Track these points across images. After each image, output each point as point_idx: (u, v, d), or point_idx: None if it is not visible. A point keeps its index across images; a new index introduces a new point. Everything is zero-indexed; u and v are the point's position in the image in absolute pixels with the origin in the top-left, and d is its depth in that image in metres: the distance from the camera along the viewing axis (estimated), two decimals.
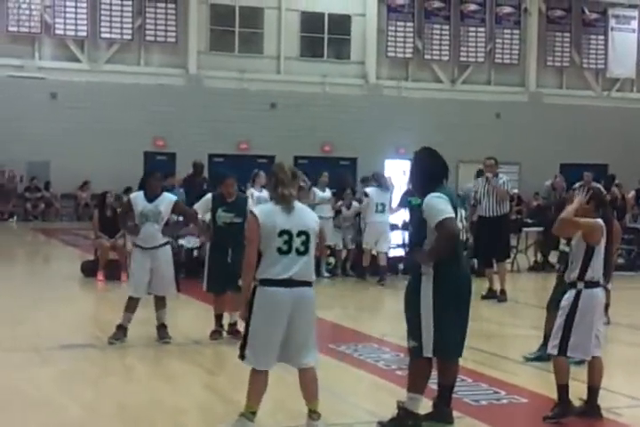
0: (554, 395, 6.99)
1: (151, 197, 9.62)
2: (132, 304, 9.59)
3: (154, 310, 9.71)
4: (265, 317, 6.16)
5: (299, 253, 6.19)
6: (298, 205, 6.33)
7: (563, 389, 6.91)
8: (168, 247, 9.77)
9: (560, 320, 6.94)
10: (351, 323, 11.67)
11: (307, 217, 6.33)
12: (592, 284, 6.93)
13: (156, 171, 10.26)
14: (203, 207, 9.88)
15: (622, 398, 7.69)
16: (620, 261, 17.49)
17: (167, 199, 9.74)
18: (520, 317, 12.69)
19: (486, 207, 13.41)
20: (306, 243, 6.21)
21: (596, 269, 6.92)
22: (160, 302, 9.68)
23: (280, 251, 6.16)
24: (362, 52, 31.68)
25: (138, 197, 9.71)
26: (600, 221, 6.96)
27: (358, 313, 12.89)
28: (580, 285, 6.91)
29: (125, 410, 7.02)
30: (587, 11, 34.45)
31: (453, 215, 6.43)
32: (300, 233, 6.20)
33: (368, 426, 6.65)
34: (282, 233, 6.16)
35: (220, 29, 30.32)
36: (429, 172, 6.69)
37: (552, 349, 6.98)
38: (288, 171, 6.32)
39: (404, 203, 14.13)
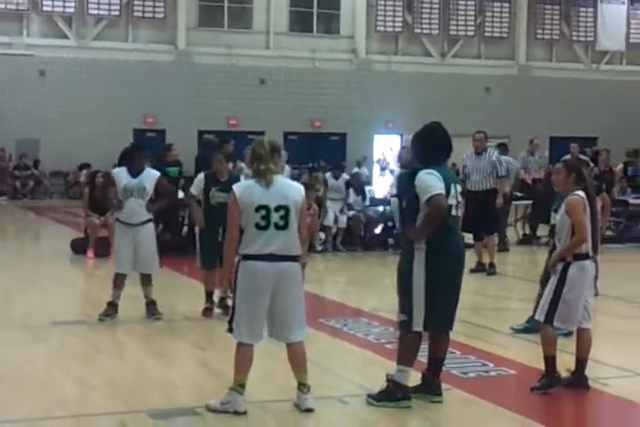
0: (542, 367, 7.07)
1: (135, 173, 9.51)
2: (118, 280, 9.59)
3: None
4: (248, 291, 6.23)
5: (277, 227, 6.21)
6: (278, 179, 6.34)
7: (550, 360, 6.98)
8: (151, 224, 9.68)
9: (549, 291, 7.01)
10: (341, 297, 11.75)
11: (287, 191, 6.31)
12: (581, 256, 6.99)
13: (140, 145, 10.06)
14: (196, 188, 9.80)
15: (609, 369, 7.78)
16: (609, 233, 17.58)
17: (151, 175, 9.64)
18: (509, 290, 12.78)
19: (475, 182, 13.46)
20: (285, 217, 6.22)
21: (583, 242, 6.99)
22: (145, 279, 9.66)
23: (258, 226, 6.20)
24: (351, 27, 31.57)
25: (121, 173, 9.58)
26: (581, 194, 7.00)
27: (348, 288, 12.97)
28: (569, 257, 6.97)
29: (117, 386, 7.07)
30: None
31: (443, 192, 6.50)
32: (278, 208, 6.21)
33: (358, 399, 6.72)
34: (259, 208, 6.19)
35: (208, 5, 30.16)
36: (433, 147, 6.77)
37: (539, 315, 7.06)
38: (267, 145, 6.33)
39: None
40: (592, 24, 34.64)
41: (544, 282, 8.11)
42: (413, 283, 6.56)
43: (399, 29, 32.07)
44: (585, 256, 7.02)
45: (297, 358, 6.40)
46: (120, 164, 9.88)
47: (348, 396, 6.86)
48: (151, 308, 9.65)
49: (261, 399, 6.62)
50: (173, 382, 7.19)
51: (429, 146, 6.82)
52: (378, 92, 30.20)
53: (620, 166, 19.49)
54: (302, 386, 6.36)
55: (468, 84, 31.58)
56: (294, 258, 6.30)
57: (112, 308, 9.54)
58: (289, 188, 6.36)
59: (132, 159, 9.62)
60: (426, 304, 6.53)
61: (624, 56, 35.42)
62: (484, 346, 8.53)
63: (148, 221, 9.60)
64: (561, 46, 34.57)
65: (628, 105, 33.53)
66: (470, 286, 12.15)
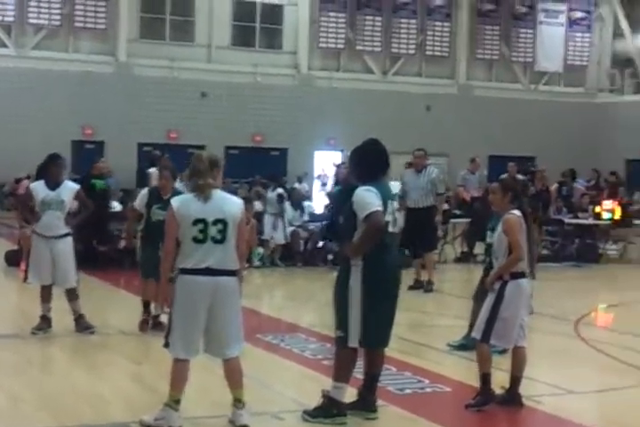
0: (477, 384, 7.10)
1: (53, 186, 9.33)
2: (45, 293, 9.41)
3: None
4: (184, 305, 6.18)
5: (215, 241, 6.17)
6: (217, 193, 6.30)
7: (485, 377, 7.02)
8: (69, 238, 9.45)
9: (486, 309, 7.06)
10: (279, 313, 11.71)
11: (226, 205, 6.28)
12: (517, 275, 7.05)
13: (57, 156, 9.66)
14: (140, 202, 9.72)
15: (543, 387, 7.84)
16: (545, 252, 17.80)
17: (69, 188, 9.45)
18: (446, 307, 12.84)
19: (414, 199, 13.55)
20: (223, 231, 6.19)
21: (520, 261, 7.05)
22: (70, 294, 9.44)
23: (195, 240, 6.16)
24: (294, 43, 31.64)
25: (38, 186, 9.40)
26: (517, 213, 7.08)
27: (286, 303, 12.93)
28: (506, 276, 7.02)
29: (50, 400, 6.94)
30: (516, 4, 34.86)
31: (381, 209, 6.51)
32: (216, 221, 6.18)
33: (293, 415, 6.68)
34: (196, 222, 6.16)
35: (150, 17, 30.01)
36: (371, 164, 6.80)
37: (476, 333, 7.10)
38: (206, 160, 6.31)
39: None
40: (531, 45, 35.16)
41: (477, 298, 8.18)
42: (350, 299, 6.56)
43: (341, 46, 32.23)
44: (521, 275, 7.09)
45: (233, 373, 6.35)
46: (38, 177, 9.69)
47: (283, 412, 6.81)
48: (81, 322, 9.47)
49: (196, 415, 6.54)
50: (106, 397, 7.09)
51: (367, 162, 6.84)
52: (319, 108, 30.30)
53: (555, 186, 19.76)
54: (238, 402, 6.31)
55: (409, 101, 31.83)
56: (232, 273, 6.26)
57: (45, 322, 9.38)
58: (227, 202, 6.32)
59: (47, 171, 9.43)
60: (362, 320, 6.54)
61: (562, 77, 36.00)
62: (420, 363, 8.55)
63: (67, 234, 9.38)
64: (500, 66, 35.02)
65: (566, 125, 34.07)
66: (408, 302, 12.19)
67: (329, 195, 16.13)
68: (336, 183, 16.18)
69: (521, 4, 34.97)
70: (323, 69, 32.04)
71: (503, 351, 7.76)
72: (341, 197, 15.04)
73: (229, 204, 6.31)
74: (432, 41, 33.75)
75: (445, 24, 33.88)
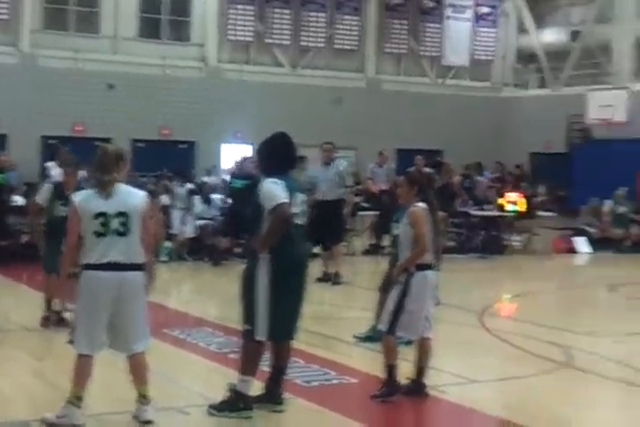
0: (383, 375, 7.15)
1: None
2: None
3: None
4: (87, 301, 6.09)
5: (118, 233, 6.10)
6: (121, 187, 6.22)
7: (390, 369, 7.07)
8: None
9: (392, 301, 7.11)
10: (186, 307, 11.63)
11: (129, 198, 6.22)
12: (423, 266, 7.11)
13: None
14: (42, 197, 9.59)
15: (448, 376, 7.95)
16: (451, 244, 18.05)
17: None
18: (354, 299, 12.92)
19: (323, 192, 13.59)
20: (126, 224, 6.11)
21: (425, 253, 7.12)
22: None
23: (97, 234, 6.09)
24: (202, 35, 31.33)
25: None
26: (423, 205, 7.15)
27: (194, 297, 12.85)
28: (412, 267, 7.08)
29: None
30: None
31: (287, 201, 6.51)
32: (118, 214, 6.11)
33: (199, 409, 6.64)
34: (98, 215, 6.09)
35: (54, 7, 29.36)
36: (278, 157, 6.80)
37: (382, 325, 7.15)
38: (111, 154, 6.23)
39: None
40: (439, 40, 35.47)
41: (383, 290, 8.24)
42: (257, 292, 6.55)
43: (250, 39, 32.05)
44: (427, 266, 7.15)
45: (138, 369, 6.28)
46: None
47: (189, 406, 6.76)
48: None
49: (99, 412, 6.45)
50: (6, 394, 6.94)
51: (274, 156, 6.85)
52: (228, 101, 30.08)
53: (459, 179, 20.06)
54: (142, 398, 6.24)
55: (318, 95, 31.85)
56: (137, 267, 6.18)
57: None
58: (130, 195, 6.25)
59: None
60: (269, 313, 6.53)
61: (468, 72, 36.46)
62: (328, 355, 8.59)
63: None
64: (409, 60, 35.26)
65: (472, 119, 34.50)
66: (316, 295, 12.23)
67: (229, 189, 15.95)
68: (234, 176, 15.98)
69: None
70: (231, 62, 31.81)
71: (409, 343, 7.84)
72: (247, 190, 15.05)
73: (132, 197, 6.24)
74: (341, 35, 33.79)
75: (354, 18, 33.96)
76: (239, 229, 15.02)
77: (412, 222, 7.07)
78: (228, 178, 17.14)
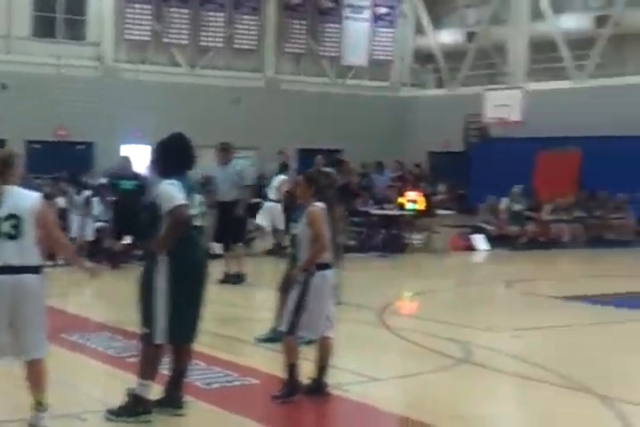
0: (285, 375, 7.15)
1: None
2: None
3: None
4: None
5: (9, 237, 5.96)
6: (11, 189, 6.08)
7: (291, 368, 7.07)
8: None
9: (292, 300, 7.11)
10: (85, 311, 11.43)
11: (20, 200, 6.07)
12: (322, 266, 7.13)
13: None
14: None
15: (349, 375, 7.98)
16: (352, 243, 18.15)
17: None
18: (255, 299, 12.89)
19: (222, 192, 13.54)
20: (17, 226, 5.97)
21: (324, 252, 7.13)
22: None
23: None
24: (98, 34, 30.87)
25: None
26: (321, 205, 7.17)
27: (92, 301, 12.65)
28: (311, 267, 7.09)
29: None
30: None
31: (185, 202, 6.47)
32: (9, 217, 5.97)
33: (97, 415, 6.53)
34: None
35: None
36: (174, 159, 6.73)
37: (283, 326, 7.15)
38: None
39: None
40: (337, 40, 35.68)
41: (283, 290, 8.24)
42: (155, 295, 6.47)
43: (147, 38, 31.72)
44: (326, 266, 7.17)
45: (36, 376, 6.12)
46: None
47: (87, 412, 6.65)
48: None
49: None
50: None
51: (171, 156, 6.78)
52: (126, 101, 29.71)
53: (357, 177, 20.24)
54: (39, 405, 6.09)
55: (217, 95, 31.71)
56: (32, 269, 6.03)
57: None
58: (22, 197, 6.10)
59: None
60: (167, 316, 6.47)
61: (367, 71, 36.76)
62: (229, 357, 8.54)
63: None
64: (308, 60, 35.38)
65: (372, 119, 34.80)
66: (217, 296, 12.17)
67: (116, 190, 15.58)
68: (120, 177, 15.65)
69: None
70: (128, 62, 31.43)
71: (310, 342, 7.84)
72: (137, 191, 14.86)
73: (24, 199, 6.09)
74: (240, 34, 33.70)
75: (253, 18, 33.91)
76: (131, 232, 14.82)
77: (310, 222, 7.08)
78: (106, 180, 16.70)
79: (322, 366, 7.28)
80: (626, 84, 28.84)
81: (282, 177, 16.79)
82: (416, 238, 19.31)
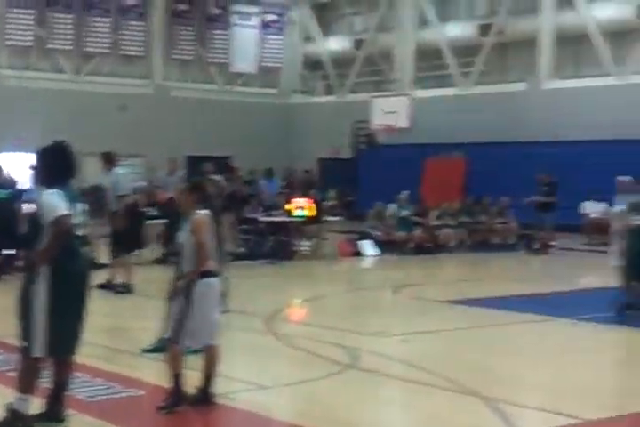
0: (169, 385, 7.04)
1: None
2: None
3: None
4: None
5: None
6: None
7: (176, 378, 6.97)
8: None
9: (177, 309, 7.01)
10: None
11: None
12: (207, 274, 7.05)
13: None
14: None
15: (237, 383, 7.91)
16: (241, 250, 18.07)
17: None
18: (141, 309, 12.67)
19: (111, 201, 13.38)
20: None
21: (207, 260, 7.06)
22: None
23: None
24: None
25: None
26: (205, 213, 7.10)
27: None
28: (195, 275, 7.00)
29: None
30: (210, 6, 35.14)
31: (67, 212, 6.34)
32: None
33: None
34: None
35: None
36: (57, 167, 6.58)
37: (168, 334, 7.05)
38: None
39: None
40: (226, 46, 35.56)
41: (170, 299, 8.11)
42: (34, 307, 6.31)
43: (30, 44, 31.06)
44: (210, 273, 7.10)
45: None
46: None
47: None
48: None
49: None
50: None
51: (53, 165, 6.62)
52: (8, 108, 29.00)
53: (245, 184, 20.21)
54: None
55: (104, 101, 31.24)
56: None
57: None
58: None
59: None
60: (48, 329, 6.30)
61: (256, 78, 36.75)
62: (114, 368, 8.37)
63: None
64: (196, 67, 35.17)
65: (262, 125, 34.80)
66: (102, 306, 11.97)
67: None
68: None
69: (214, 5, 35.29)
70: (11, 68, 30.73)
71: (197, 351, 7.75)
72: (12, 200, 14.47)
73: None
74: (127, 40, 33.28)
75: (140, 23, 33.52)
76: (6, 242, 14.39)
77: (194, 230, 7.01)
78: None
79: (208, 375, 7.20)
80: (509, 91, 29.54)
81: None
82: (304, 245, 19.36)
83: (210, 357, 7.25)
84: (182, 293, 7.01)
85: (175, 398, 6.93)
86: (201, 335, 7.08)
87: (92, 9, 32.40)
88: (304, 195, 20.41)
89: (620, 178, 16.95)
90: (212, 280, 7.12)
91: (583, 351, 10.11)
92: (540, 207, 20.74)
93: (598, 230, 23.08)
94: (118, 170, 13.66)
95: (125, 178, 13.84)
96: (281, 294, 14.16)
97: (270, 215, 19.07)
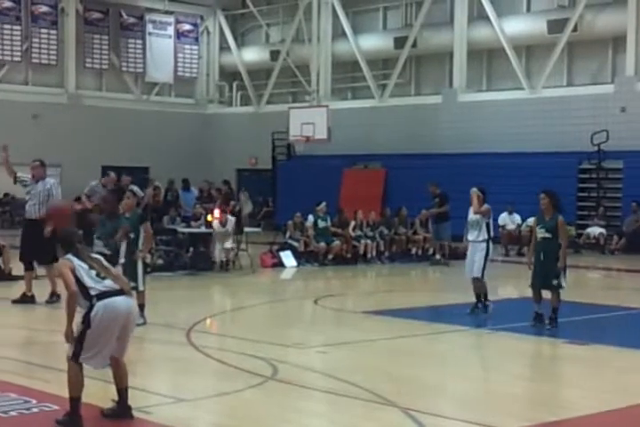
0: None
1: None
2: None
3: None
4: None
5: None
6: None
7: (72, 402, 6.73)
8: None
9: (76, 329, 6.78)
10: None
11: None
12: (105, 294, 6.79)
13: None
14: None
15: (154, 397, 7.76)
16: (160, 261, 17.86)
17: None
18: (58, 322, 12.40)
19: (30, 209, 13.16)
20: None
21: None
22: None
23: None
24: None
25: None
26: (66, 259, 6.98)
27: None
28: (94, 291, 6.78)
29: None
30: (124, 15, 34.80)
31: None
32: None
33: None
34: None
35: None
36: None
37: (68, 351, 6.84)
38: None
39: None
40: (141, 56, 35.25)
41: None
42: None
43: None
44: (108, 294, 6.81)
45: None
46: None
47: None
48: None
49: None
50: None
51: None
52: None
53: (161, 194, 20.01)
54: None
55: (15, 110, 30.68)
56: None
57: None
58: None
59: None
60: None
61: (173, 88, 36.50)
62: (28, 382, 8.14)
63: None
64: (111, 76, 34.79)
65: (179, 136, 34.57)
66: (15, 319, 11.72)
67: None
68: None
69: (129, 14, 34.95)
70: None
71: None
72: None
73: None
74: (38, 48, 32.74)
75: (52, 32, 33.02)
76: None
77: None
78: None
79: (120, 389, 7.01)
80: (424, 103, 29.85)
81: None
82: (224, 256, 19.18)
83: (118, 370, 7.03)
84: (84, 313, 6.76)
85: (72, 422, 6.70)
86: (100, 357, 6.82)
87: (2, 16, 31.81)
88: (222, 206, 20.23)
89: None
90: (109, 301, 6.79)
91: (501, 361, 10.19)
92: (435, 218, 20.95)
93: (513, 241, 23.51)
94: (49, 179, 13.46)
95: (56, 186, 13.62)
96: (200, 305, 13.99)
97: (189, 226, 18.88)
